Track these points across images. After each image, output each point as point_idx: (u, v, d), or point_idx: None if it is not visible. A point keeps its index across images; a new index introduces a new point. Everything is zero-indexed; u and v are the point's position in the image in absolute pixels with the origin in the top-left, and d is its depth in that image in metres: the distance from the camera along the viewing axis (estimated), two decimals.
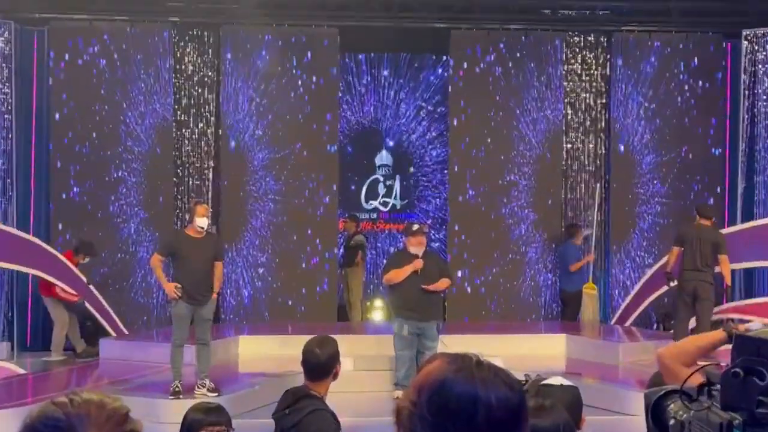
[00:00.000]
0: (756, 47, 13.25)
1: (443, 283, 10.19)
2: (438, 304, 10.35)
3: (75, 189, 13.37)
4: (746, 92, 13.45)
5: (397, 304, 10.10)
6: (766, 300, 12.30)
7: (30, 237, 12.20)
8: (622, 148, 14.08)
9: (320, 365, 5.12)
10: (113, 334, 12.34)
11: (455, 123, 14.13)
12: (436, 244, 14.76)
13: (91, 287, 12.27)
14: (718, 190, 13.98)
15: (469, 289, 13.89)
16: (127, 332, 12.53)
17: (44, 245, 12.16)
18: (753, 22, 13.28)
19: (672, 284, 11.25)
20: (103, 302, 12.43)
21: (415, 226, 10.64)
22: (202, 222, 9.40)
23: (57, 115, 13.36)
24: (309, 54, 13.75)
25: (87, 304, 12.23)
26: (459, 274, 13.71)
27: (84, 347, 12.07)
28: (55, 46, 13.37)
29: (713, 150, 14.09)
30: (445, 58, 14.76)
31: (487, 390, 1.67)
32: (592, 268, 13.65)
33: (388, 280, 10.34)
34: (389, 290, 10.51)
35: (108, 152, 13.39)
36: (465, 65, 14.05)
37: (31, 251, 12.03)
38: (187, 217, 9.76)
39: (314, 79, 13.74)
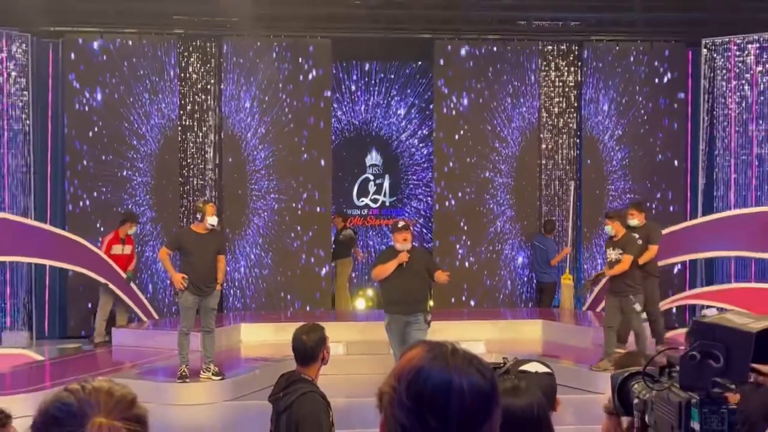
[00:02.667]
0: (715, 54, 13.31)
1: (442, 276, 9.52)
2: (424, 297, 9.66)
3: (85, 190, 13.38)
4: (705, 96, 13.52)
5: (385, 299, 9.71)
6: (723, 287, 12.33)
7: (74, 237, 12.11)
8: (591, 148, 14.12)
9: (307, 351, 5.20)
10: (146, 320, 12.52)
11: (439, 124, 14.15)
12: (434, 244, 14.60)
13: (132, 285, 12.42)
14: (685, 198, 14.14)
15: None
16: (157, 317, 12.69)
17: (89, 245, 12.13)
18: (712, 31, 13.34)
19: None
20: (139, 293, 12.60)
21: (401, 223, 10.07)
22: (213, 220, 9.53)
23: (68, 122, 13.33)
24: (303, 62, 13.73)
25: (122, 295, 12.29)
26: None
27: (104, 338, 12.10)
28: (69, 57, 13.36)
29: (676, 150, 14.16)
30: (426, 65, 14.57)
31: (460, 377, 1.69)
32: (568, 260, 13.69)
33: (376, 276, 10.03)
34: (379, 286, 10.23)
35: (117, 155, 13.37)
36: (450, 73, 14.05)
37: (76, 251, 11.99)
38: (198, 216, 9.78)
39: (309, 85, 13.74)
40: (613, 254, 10.02)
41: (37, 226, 12.13)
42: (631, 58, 14.10)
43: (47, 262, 12.33)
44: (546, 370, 3.25)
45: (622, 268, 9.84)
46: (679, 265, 13.36)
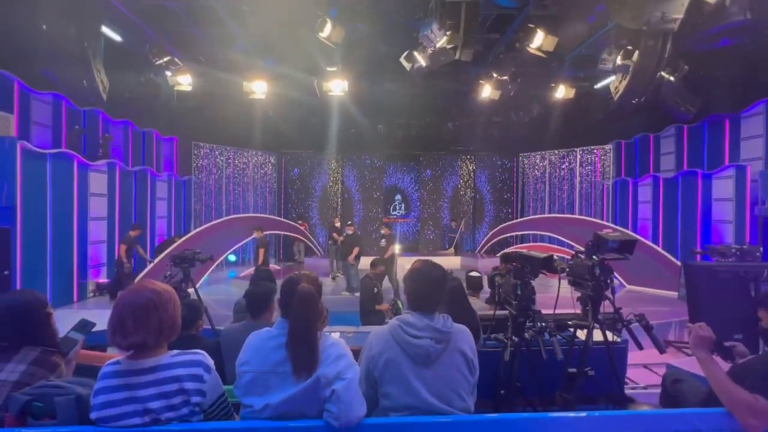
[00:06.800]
0: (525, 161, 13.11)
1: (354, 252, 7.71)
2: (348, 254, 7.72)
3: (295, 209, 13.25)
4: (522, 177, 13.33)
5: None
6: (529, 245, 12.01)
7: (293, 223, 12.01)
8: (480, 195, 13.80)
9: (374, 264, 4.98)
10: (318, 254, 12.32)
11: (421, 186, 13.80)
12: (422, 228, 14.09)
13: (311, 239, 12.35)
14: (513, 212, 13.71)
15: (429, 237, 13.62)
16: (321, 254, 12.39)
17: (298, 225, 11.96)
18: (525, 148, 12.96)
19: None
20: (318, 246, 12.53)
21: (349, 222, 8.80)
22: (338, 223, 9.75)
23: (290, 194, 13.31)
24: (370, 163, 13.49)
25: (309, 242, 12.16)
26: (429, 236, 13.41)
27: (300, 260, 12.01)
28: (290, 163, 13.27)
29: (510, 196, 13.76)
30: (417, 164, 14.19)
31: (432, 270, 1.65)
32: (461, 236, 13.21)
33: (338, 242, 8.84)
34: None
35: (305, 195, 13.32)
36: (426, 168, 13.77)
37: (294, 228, 11.84)
38: (335, 222, 10.15)
39: (376, 172, 13.54)
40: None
41: (276, 218, 12.11)
42: (490, 161, 13.72)
43: (283, 233, 12.17)
44: (478, 273, 3.24)
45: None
46: (511, 237, 13.01)
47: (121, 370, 1.40)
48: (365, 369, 1.65)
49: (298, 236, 12.11)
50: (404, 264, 9.86)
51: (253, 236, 7.84)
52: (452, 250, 12.50)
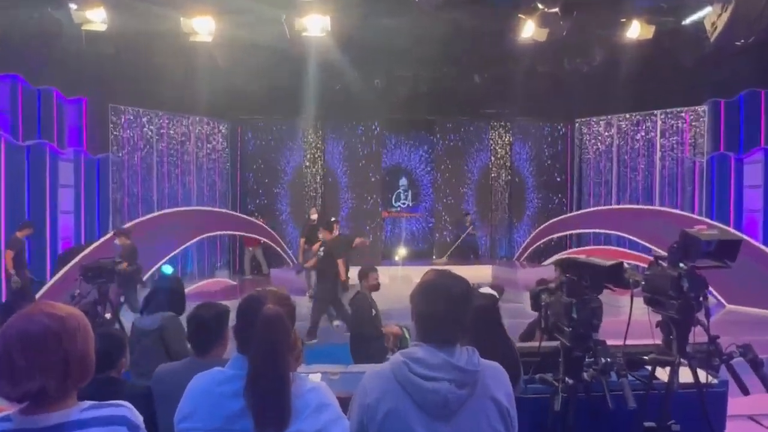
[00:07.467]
0: (583, 129, 13.21)
1: (361, 242, 8.10)
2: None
3: (253, 200, 13.48)
4: (577, 149, 13.45)
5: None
6: (586, 248, 12.19)
7: (252, 219, 12.31)
8: (517, 175, 13.95)
9: (362, 276, 5.19)
10: (291, 264, 12.34)
11: (436, 165, 13.96)
12: (435, 222, 14.30)
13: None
14: (566, 202, 13.94)
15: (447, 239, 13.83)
16: (294, 264, 12.41)
17: (262, 224, 12.29)
18: (584, 112, 12.99)
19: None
20: (289, 251, 12.71)
21: (333, 218, 8.89)
22: (315, 215, 10.09)
23: (247, 174, 13.46)
24: (367, 134, 13.58)
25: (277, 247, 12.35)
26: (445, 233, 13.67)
27: (268, 272, 12.18)
28: (246, 133, 13.45)
29: (562, 176, 13.94)
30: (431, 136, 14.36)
31: (452, 284, 1.71)
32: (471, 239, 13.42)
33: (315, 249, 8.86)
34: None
35: (273, 180, 13.52)
36: (443, 140, 13.91)
37: (255, 227, 12.13)
38: (311, 214, 10.33)
39: (371, 143, 13.59)
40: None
41: (229, 213, 12.34)
42: (534, 129, 13.92)
43: (240, 233, 12.41)
44: (493, 292, 3.27)
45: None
46: (568, 236, 13.17)
47: (12, 430, 1.33)
48: (357, 423, 1.66)
49: (258, 238, 12.22)
50: (411, 276, 10.52)
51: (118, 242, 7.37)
52: (444, 258, 12.84)
